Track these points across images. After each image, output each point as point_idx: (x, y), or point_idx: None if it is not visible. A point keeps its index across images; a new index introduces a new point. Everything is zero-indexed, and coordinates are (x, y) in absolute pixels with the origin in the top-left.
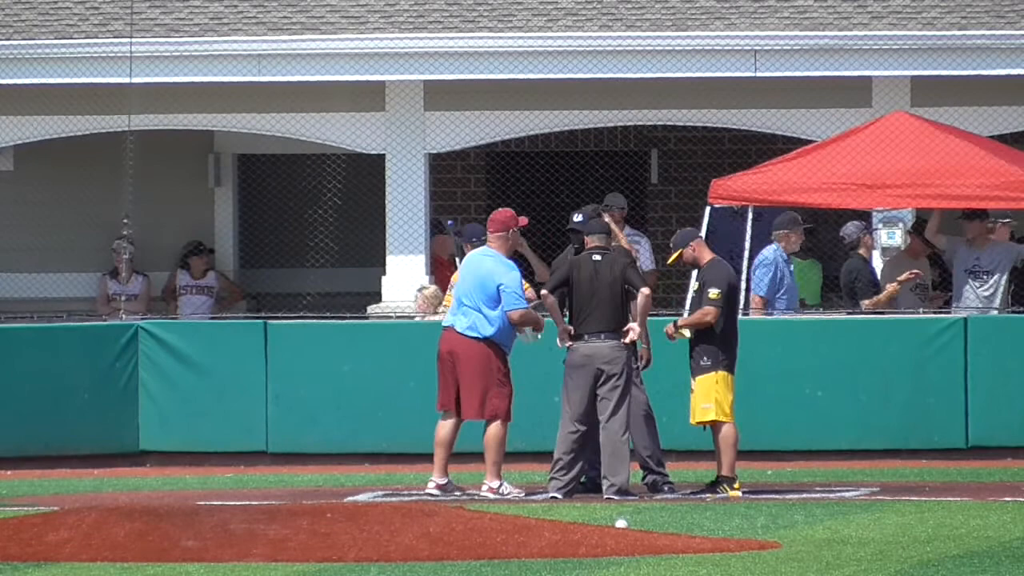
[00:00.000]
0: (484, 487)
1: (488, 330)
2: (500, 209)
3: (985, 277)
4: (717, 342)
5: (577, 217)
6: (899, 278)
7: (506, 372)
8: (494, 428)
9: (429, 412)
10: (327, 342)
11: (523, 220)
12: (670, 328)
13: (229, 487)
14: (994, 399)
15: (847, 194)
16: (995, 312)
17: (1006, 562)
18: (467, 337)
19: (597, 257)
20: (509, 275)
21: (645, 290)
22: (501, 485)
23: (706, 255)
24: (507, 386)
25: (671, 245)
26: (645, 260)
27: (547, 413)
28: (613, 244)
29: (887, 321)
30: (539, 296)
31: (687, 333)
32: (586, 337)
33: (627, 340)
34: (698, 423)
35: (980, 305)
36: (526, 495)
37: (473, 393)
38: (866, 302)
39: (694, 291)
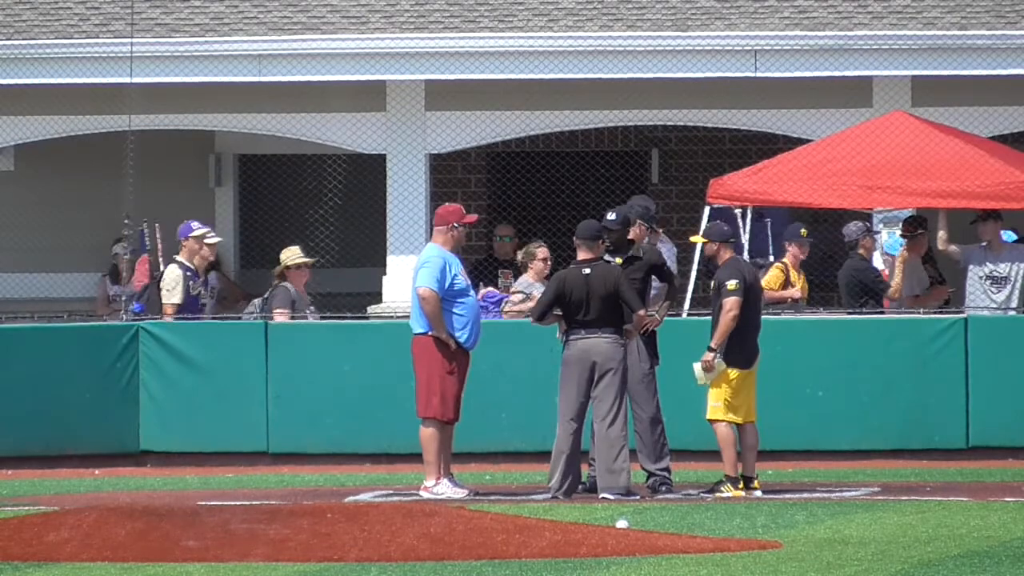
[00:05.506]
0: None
1: (418, 326)
2: (447, 204)
3: (1003, 282)
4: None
5: (611, 215)
6: (896, 274)
7: (446, 369)
8: (422, 427)
9: None
10: (327, 342)
11: (471, 217)
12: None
13: (230, 487)
14: (995, 399)
15: (847, 194)
16: (1000, 312)
17: (1006, 562)
18: (414, 335)
19: (587, 270)
20: (430, 262)
21: (641, 312)
22: (435, 484)
23: (725, 255)
24: (439, 384)
25: (703, 232)
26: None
27: (547, 413)
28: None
29: (887, 321)
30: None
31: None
32: (583, 332)
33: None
34: (710, 420)
35: (994, 307)
36: (473, 495)
37: (416, 390)
38: (887, 296)
39: (713, 291)
